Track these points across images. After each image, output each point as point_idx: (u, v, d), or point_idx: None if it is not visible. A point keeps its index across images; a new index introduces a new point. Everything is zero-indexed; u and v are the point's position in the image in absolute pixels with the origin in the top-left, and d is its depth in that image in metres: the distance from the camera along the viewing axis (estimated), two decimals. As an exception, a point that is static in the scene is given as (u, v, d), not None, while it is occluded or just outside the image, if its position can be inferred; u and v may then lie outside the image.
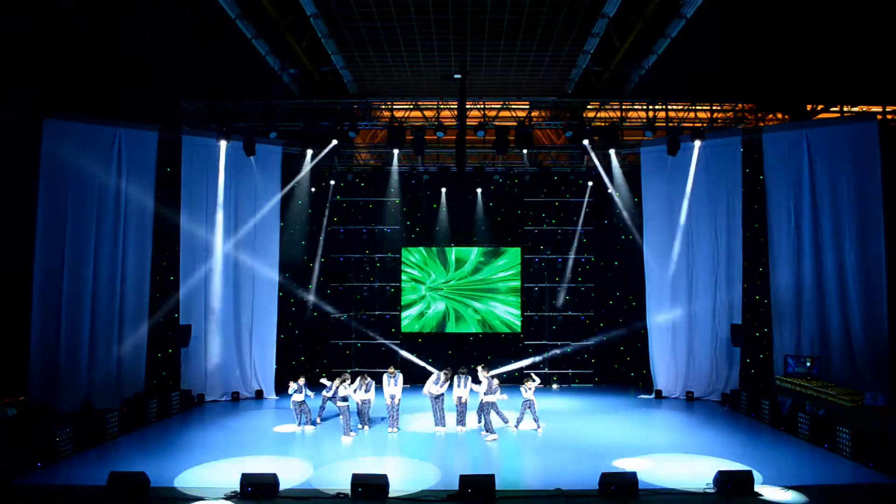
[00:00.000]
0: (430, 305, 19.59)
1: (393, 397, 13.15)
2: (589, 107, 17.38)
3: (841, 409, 12.22)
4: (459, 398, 13.01)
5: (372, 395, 13.18)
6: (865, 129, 14.71)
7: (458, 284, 19.64)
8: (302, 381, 13.29)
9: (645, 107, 16.79)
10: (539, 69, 14.78)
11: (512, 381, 17.29)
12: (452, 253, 19.65)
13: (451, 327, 19.53)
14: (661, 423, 14.33)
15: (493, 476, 9.10)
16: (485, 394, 12.61)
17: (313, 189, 19.05)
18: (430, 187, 19.53)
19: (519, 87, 16.06)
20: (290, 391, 13.24)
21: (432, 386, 13.16)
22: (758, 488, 9.20)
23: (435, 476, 10.01)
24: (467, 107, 14.28)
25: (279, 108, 16.53)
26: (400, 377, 13.49)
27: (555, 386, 18.91)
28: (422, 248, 19.67)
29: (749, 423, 14.06)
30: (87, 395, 14.45)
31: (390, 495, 8.96)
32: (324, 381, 13.62)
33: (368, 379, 13.19)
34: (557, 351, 19.25)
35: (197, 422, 14.25)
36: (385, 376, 13.39)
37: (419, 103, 16.95)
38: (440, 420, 13.12)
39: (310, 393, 13.37)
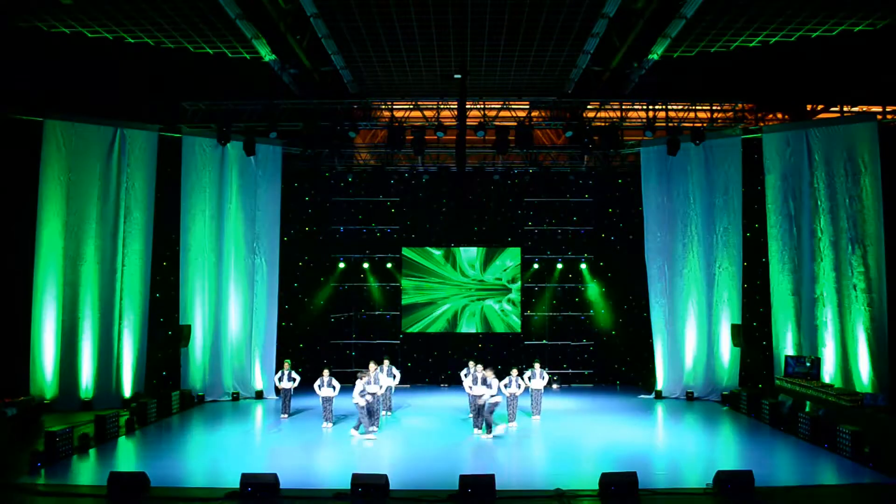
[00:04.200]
0: (430, 305, 19.60)
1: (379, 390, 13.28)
2: (589, 107, 17.37)
3: (841, 409, 12.23)
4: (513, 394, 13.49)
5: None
6: (865, 130, 14.70)
7: (458, 284, 19.64)
8: (326, 374, 13.25)
9: (645, 107, 16.79)
10: (539, 69, 14.77)
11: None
12: (452, 253, 19.66)
13: (451, 327, 19.54)
14: (661, 424, 14.33)
15: (492, 476, 9.10)
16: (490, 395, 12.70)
17: (313, 190, 19.06)
18: (430, 187, 19.53)
19: (519, 87, 16.06)
20: (315, 386, 13.26)
21: (512, 387, 13.45)
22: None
23: (435, 476, 10.01)
24: (467, 107, 14.27)
25: (279, 108, 16.53)
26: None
27: (555, 386, 18.91)
28: (422, 248, 19.68)
29: (749, 423, 14.06)
30: (87, 395, 14.44)
31: (390, 495, 8.97)
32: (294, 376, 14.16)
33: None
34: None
35: (197, 422, 14.26)
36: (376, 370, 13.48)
37: (419, 103, 16.95)
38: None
39: (336, 385, 13.31)
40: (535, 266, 19.70)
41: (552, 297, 19.70)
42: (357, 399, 12.27)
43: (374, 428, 13.05)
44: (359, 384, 12.37)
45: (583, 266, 19.57)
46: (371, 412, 12.99)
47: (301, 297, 19.09)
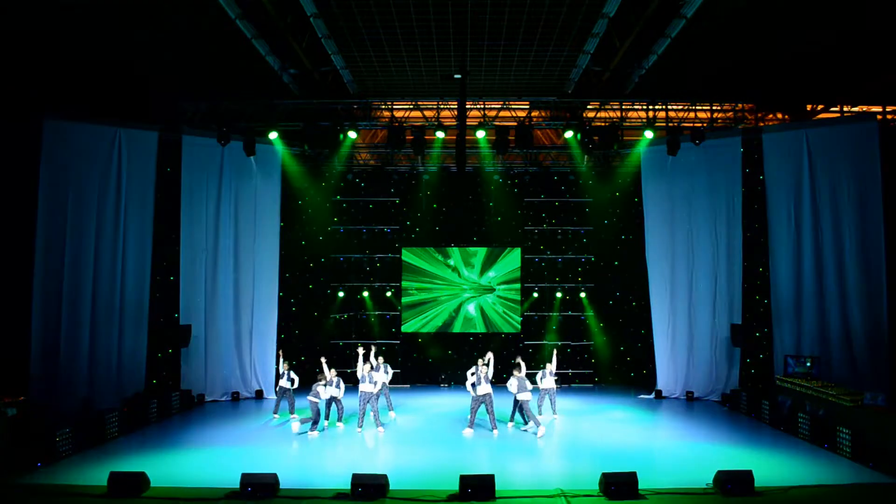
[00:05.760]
0: (430, 305, 19.60)
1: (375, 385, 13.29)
2: (589, 107, 17.36)
3: (841, 409, 12.22)
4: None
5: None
6: (865, 130, 14.71)
7: (458, 284, 19.64)
8: (333, 373, 13.16)
9: (645, 107, 16.79)
10: (539, 69, 14.77)
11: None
12: (452, 253, 19.66)
13: (451, 327, 19.54)
14: (662, 423, 14.33)
15: (492, 476, 9.11)
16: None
17: (313, 190, 19.06)
18: (430, 187, 19.52)
19: (519, 87, 16.05)
20: (327, 384, 13.24)
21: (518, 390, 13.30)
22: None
23: (435, 476, 10.01)
24: (467, 107, 14.27)
25: (279, 108, 16.53)
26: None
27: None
28: (422, 249, 19.67)
29: (749, 423, 14.07)
30: (87, 395, 14.43)
31: (390, 495, 8.97)
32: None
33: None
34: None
35: (197, 422, 14.26)
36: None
37: (419, 103, 16.95)
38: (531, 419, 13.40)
39: (338, 386, 13.24)
40: (535, 265, 19.71)
41: (552, 298, 19.69)
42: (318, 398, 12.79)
43: (359, 430, 13.12)
44: (324, 383, 12.83)
45: (582, 266, 19.58)
46: (365, 411, 13.19)
47: (301, 298, 19.08)
